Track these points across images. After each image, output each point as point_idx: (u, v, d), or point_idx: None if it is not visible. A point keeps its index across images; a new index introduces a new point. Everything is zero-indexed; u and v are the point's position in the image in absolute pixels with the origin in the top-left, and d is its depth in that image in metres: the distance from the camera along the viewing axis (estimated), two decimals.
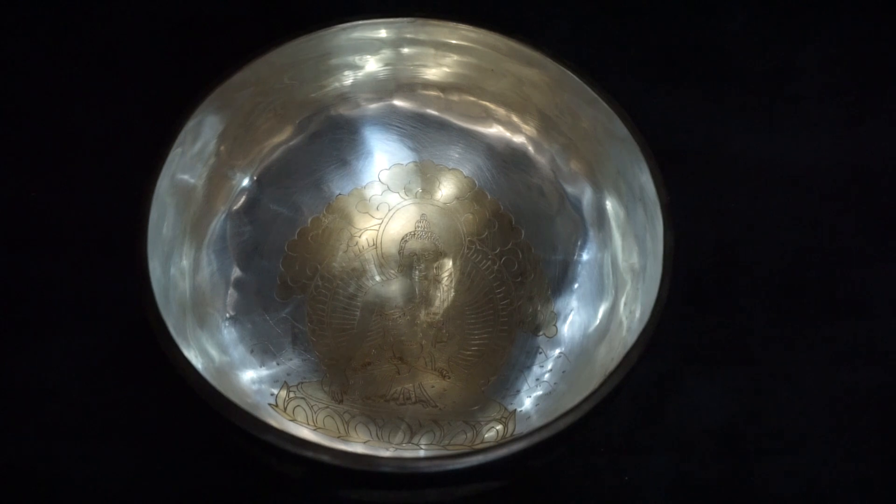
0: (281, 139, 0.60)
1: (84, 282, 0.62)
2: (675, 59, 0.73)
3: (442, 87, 0.61)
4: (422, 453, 0.55)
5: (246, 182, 0.60)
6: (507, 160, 0.62)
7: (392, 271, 0.62)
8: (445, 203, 0.63)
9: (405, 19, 0.56)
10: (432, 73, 0.60)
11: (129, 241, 0.49)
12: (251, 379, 0.57)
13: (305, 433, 0.55)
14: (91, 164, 0.66)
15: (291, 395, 0.57)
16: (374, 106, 0.61)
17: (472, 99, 0.61)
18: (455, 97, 0.61)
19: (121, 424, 0.59)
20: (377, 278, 0.62)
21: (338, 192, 0.62)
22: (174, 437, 0.59)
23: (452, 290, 0.62)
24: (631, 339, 0.50)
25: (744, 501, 0.59)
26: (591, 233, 0.60)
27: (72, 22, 0.72)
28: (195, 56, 0.70)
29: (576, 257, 0.60)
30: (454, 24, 0.56)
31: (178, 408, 0.58)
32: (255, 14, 0.73)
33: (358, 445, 0.56)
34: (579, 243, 0.60)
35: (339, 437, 0.56)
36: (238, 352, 0.57)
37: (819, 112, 0.71)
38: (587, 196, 0.60)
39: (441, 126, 0.62)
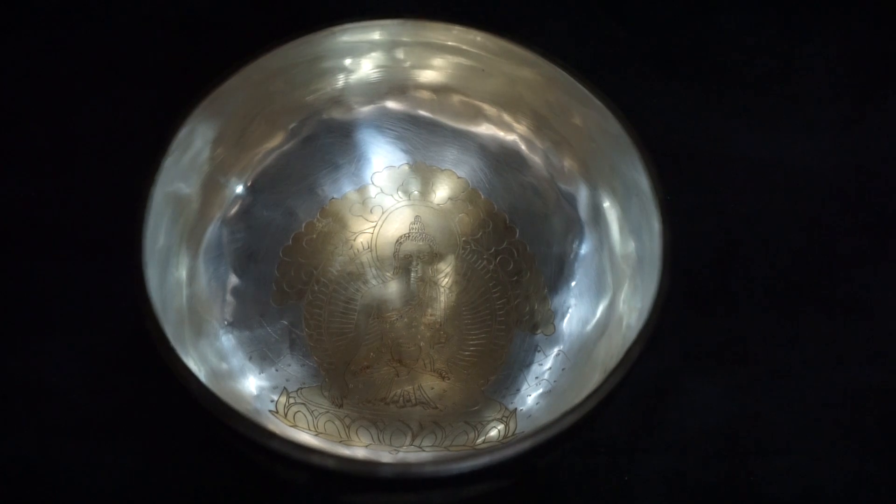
0: (273, 144, 0.60)
1: (84, 282, 0.62)
2: (675, 59, 0.73)
3: (434, 88, 0.61)
4: (425, 456, 0.55)
5: (239, 189, 0.59)
6: (499, 160, 0.62)
7: (388, 274, 0.62)
8: (439, 204, 0.63)
9: (397, 21, 0.56)
10: (424, 74, 0.60)
11: (126, 249, 0.49)
12: (251, 386, 0.56)
13: (307, 438, 0.55)
14: (88, 168, 0.66)
15: (291, 400, 0.57)
16: (366, 108, 0.61)
17: (464, 99, 0.61)
18: (447, 98, 0.61)
19: (121, 425, 0.59)
20: (373, 281, 0.62)
21: (331, 195, 0.62)
22: (175, 438, 0.59)
23: (449, 291, 0.62)
24: (631, 334, 0.50)
25: (744, 501, 0.59)
26: (587, 230, 0.60)
27: (66, 28, 0.71)
28: (189, 60, 0.69)
29: (572, 255, 0.60)
30: (446, 24, 0.56)
31: (179, 409, 0.58)
32: (248, 18, 0.73)
33: (360, 449, 0.56)
34: (575, 241, 0.60)
35: (340, 442, 0.56)
36: (237, 359, 0.57)
37: (819, 112, 0.71)
38: (582, 193, 0.60)
39: (433, 127, 0.62)
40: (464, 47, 0.58)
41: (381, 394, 0.59)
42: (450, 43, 0.58)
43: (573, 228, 0.60)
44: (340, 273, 0.62)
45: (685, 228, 0.53)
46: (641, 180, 0.53)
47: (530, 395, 0.58)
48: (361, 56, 0.59)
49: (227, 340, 0.57)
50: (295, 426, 0.56)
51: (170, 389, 0.48)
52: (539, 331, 0.60)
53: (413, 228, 0.63)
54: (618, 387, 0.47)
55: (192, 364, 0.50)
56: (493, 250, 0.62)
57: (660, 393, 0.61)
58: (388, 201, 0.63)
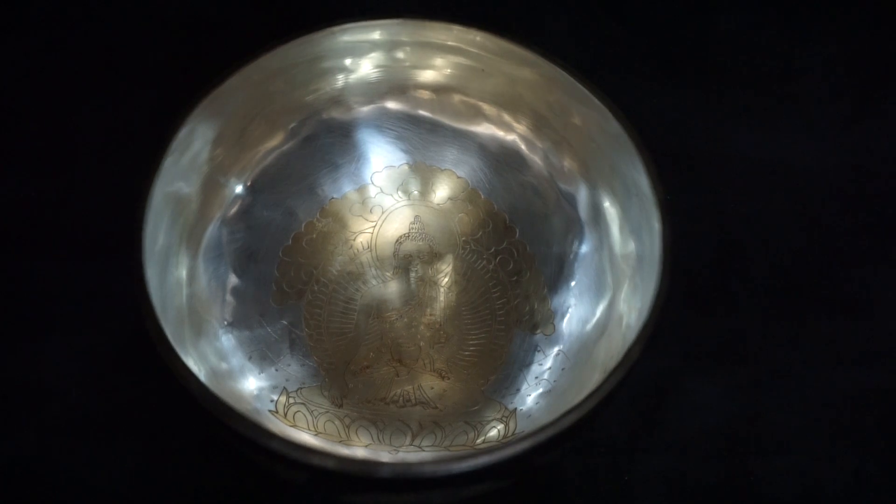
0: (273, 144, 0.60)
1: (84, 282, 0.62)
2: (675, 59, 0.73)
3: (434, 87, 0.61)
4: (425, 456, 0.55)
5: (239, 188, 0.60)
6: (499, 159, 0.62)
7: (388, 274, 0.62)
8: (439, 204, 0.63)
9: (397, 21, 0.56)
10: (424, 74, 0.60)
11: (126, 249, 0.49)
12: (251, 386, 0.56)
13: (307, 438, 0.55)
14: (88, 168, 0.66)
15: (291, 400, 0.57)
16: (366, 108, 0.61)
17: (464, 99, 0.61)
18: (447, 98, 0.61)
19: (121, 425, 0.59)
20: (373, 281, 0.62)
21: (331, 195, 0.62)
22: (175, 438, 0.59)
23: (449, 291, 0.62)
24: (631, 334, 0.50)
25: (744, 501, 0.59)
26: (587, 229, 0.60)
27: (66, 28, 0.72)
28: (189, 60, 0.70)
29: (572, 255, 0.60)
30: (446, 24, 0.57)
31: (179, 409, 0.58)
32: (248, 18, 0.73)
33: (359, 449, 0.56)
34: (575, 241, 0.60)
35: (340, 442, 0.56)
36: (237, 359, 0.57)
37: (819, 112, 0.71)
38: (582, 193, 0.60)
39: (433, 127, 0.62)
40: (464, 47, 0.58)
41: (380, 394, 0.59)
42: (450, 43, 0.58)
43: (573, 228, 0.60)
44: (340, 273, 0.62)
45: (685, 228, 0.53)
46: (641, 180, 0.53)
47: (530, 395, 0.58)
48: (361, 56, 0.59)
49: (227, 340, 0.57)
50: (295, 426, 0.56)
51: (170, 389, 0.48)
52: (539, 331, 0.60)
53: (413, 228, 0.63)
54: (618, 387, 0.47)
55: (192, 364, 0.50)
56: (493, 250, 0.62)
57: (660, 393, 0.62)
58: (387, 201, 0.63)
